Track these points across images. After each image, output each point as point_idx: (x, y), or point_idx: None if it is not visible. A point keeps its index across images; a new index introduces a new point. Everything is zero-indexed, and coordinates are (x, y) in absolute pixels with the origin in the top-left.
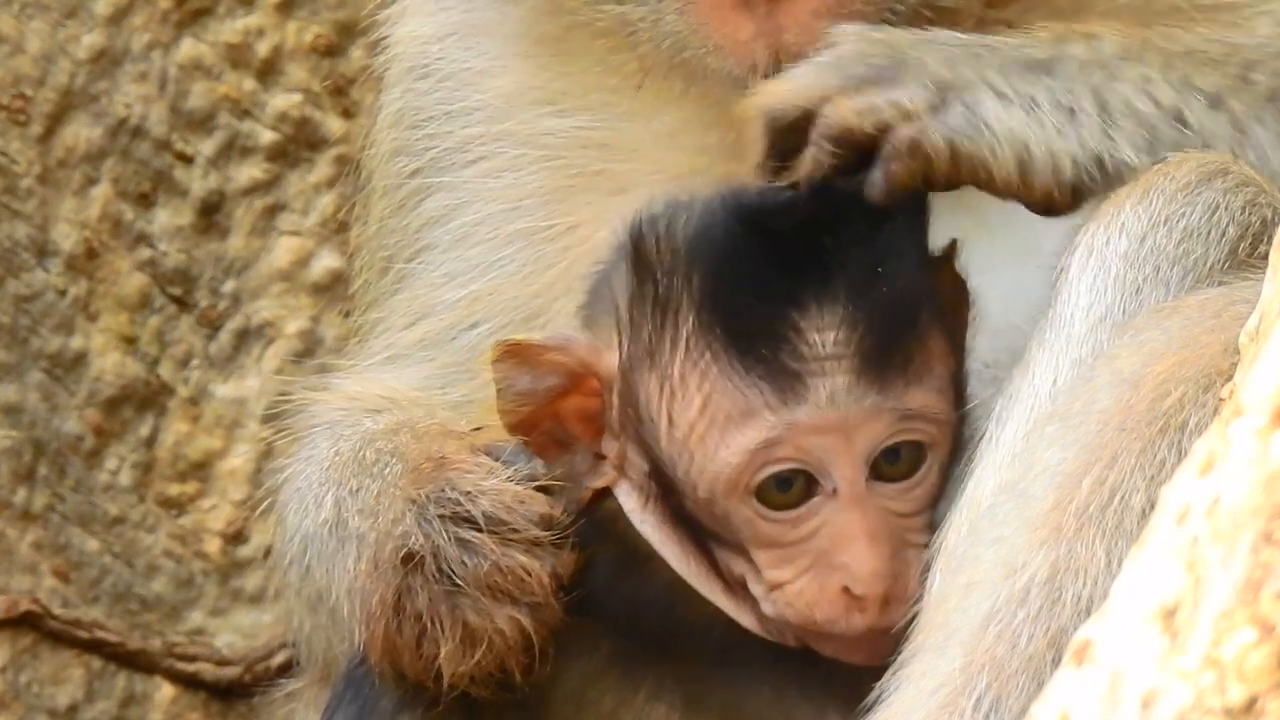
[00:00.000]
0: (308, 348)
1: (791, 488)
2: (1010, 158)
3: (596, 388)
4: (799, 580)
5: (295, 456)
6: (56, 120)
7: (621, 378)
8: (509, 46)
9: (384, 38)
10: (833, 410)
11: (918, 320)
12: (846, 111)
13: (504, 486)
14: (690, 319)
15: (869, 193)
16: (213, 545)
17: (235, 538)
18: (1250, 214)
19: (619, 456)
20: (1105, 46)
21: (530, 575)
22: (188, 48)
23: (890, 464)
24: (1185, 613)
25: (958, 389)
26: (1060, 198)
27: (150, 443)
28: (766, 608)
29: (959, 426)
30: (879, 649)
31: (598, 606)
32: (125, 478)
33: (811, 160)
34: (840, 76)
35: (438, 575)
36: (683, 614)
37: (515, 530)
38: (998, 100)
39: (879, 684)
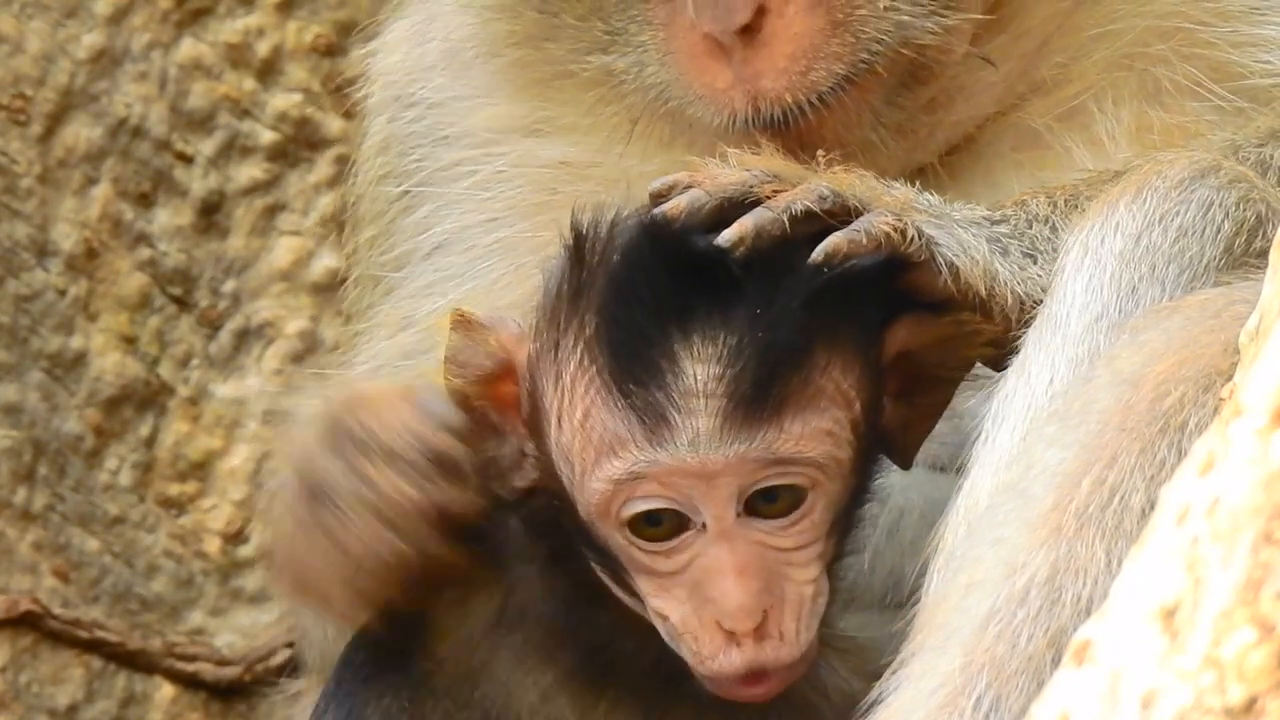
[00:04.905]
0: (308, 348)
1: (662, 523)
2: (980, 275)
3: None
4: (678, 611)
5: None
6: (56, 120)
7: (529, 365)
8: (496, 78)
9: (366, 68)
10: (693, 455)
11: (804, 363)
12: (837, 180)
13: (403, 420)
14: (591, 323)
15: (829, 247)
16: (213, 545)
17: (235, 538)
18: (1245, 209)
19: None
20: (1038, 208)
21: (412, 504)
22: (188, 48)
23: (767, 503)
24: (1185, 613)
25: (864, 427)
26: (1013, 328)
27: (150, 443)
28: (664, 637)
29: (862, 462)
30: (767, 689)
31: (552, 622)
32: (125, 478)
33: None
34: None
35: (331, 503)
36: (631, 625)
37: (409, 462)
38: (967, 233)
39: (878, 685)
